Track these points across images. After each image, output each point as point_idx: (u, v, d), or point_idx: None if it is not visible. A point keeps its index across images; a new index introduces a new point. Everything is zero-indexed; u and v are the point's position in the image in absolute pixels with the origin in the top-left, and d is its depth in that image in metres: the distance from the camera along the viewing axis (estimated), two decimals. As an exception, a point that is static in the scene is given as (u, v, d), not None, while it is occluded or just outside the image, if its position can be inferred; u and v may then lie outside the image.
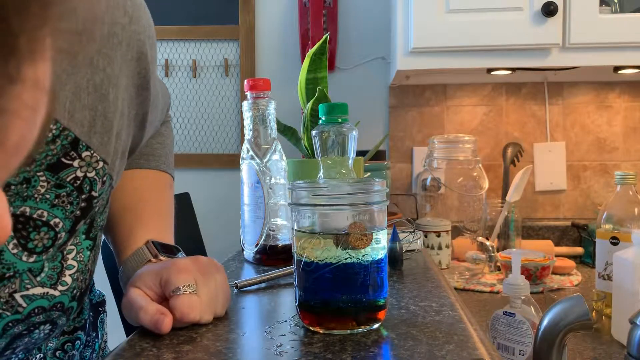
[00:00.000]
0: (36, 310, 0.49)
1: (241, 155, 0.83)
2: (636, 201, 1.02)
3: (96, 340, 0.72)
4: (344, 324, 0.50)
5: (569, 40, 1.26)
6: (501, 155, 1.64)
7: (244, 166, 0.82)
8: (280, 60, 1.73)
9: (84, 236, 0.52)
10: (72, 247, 0.51)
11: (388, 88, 1.70)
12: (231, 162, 1.74)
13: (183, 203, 1.41)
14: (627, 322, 0.67)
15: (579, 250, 1.51)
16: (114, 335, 0.85)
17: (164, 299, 0.54)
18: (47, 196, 0.47)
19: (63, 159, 0.48)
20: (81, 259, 0.52)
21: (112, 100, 0.50)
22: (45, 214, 0.47)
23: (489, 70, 1.44)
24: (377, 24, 1.69)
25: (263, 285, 0.69)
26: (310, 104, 0.91)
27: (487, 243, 1.28)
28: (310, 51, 0.94)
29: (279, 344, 0.48)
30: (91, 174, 0.50)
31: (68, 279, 0.50)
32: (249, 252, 0.84)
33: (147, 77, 0.55)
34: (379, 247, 0.50)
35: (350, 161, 0.62)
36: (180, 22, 1.74)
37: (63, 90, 0.46)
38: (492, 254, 1.28)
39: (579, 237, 1.56)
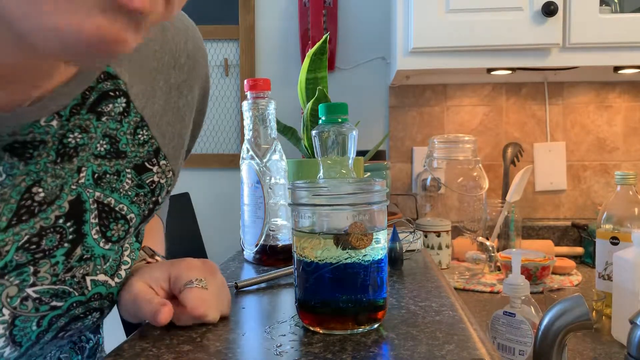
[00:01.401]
0: (95, 296, 0.52)
1: (241, 155, 0.83)
2: (636, 201, 1.02)
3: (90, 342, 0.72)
4: (344, 324, 0.50)
5: (569, 40, 1.26)
6: (501, 155, 1.64)
7: (244, 166, 0.82)
8: (280, 60, 1.73)
9: (134, 238, 0.57)
10: (127, 245, 0.56)
11: (388, 88, 1.70)
12: (231, 162, 1.75)
13: (183, 203, 1.41)
14: (627, 322, 0.67)
15: (579, 250, 1.51)
16: (114, 335, 0.85)
17: (171, 296, 0.54)
18: (130, 193, 0.53)
19: (146, 163, 0.54)
20: (133, 257, 0.56)
21: (187, 123, 0.60)
22: (125, 208, 0.53)
23: (489, 70, 1.44)
24: (377, 24, 1.69)
25: (263, 285, 0.69)
26: (310, 104, 0.91)
27: (487, 243, 1.28)
28: (310, 51, 0.94)
29: (278, 344, 0.48)
30: (163, 181, 0.57)
31: (123, 273, 0.55)
32: (249, 252, 0.84)
33: (204, 112, 0.66)
34: (379, 247, 0.50)
35: (350, 161, 0.62)
36: (180, 22, 1.74)
37: (155, 104, 0.54)
38: (492, 254, 1.28)
39: (579, 237, 1.56)
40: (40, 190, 0.47)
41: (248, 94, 0.81)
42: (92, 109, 0.49)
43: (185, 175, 1.73)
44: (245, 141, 0.82)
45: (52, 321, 0.49)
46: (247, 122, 0.82)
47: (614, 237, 1.01)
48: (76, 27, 0.30)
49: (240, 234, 0.86)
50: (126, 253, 0.55)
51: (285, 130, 0.98)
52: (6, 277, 0.45)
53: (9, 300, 0.46)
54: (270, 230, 0.81)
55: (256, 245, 0.82)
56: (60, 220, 0.48)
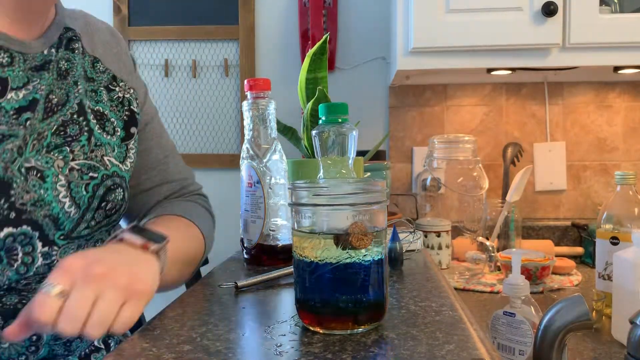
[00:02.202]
0: (115, 174, 0.75)
1: (241, 155, 0.84)
2: (636, 201, 1.02)
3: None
4: (344, 323, 0.50)
5: (569, 40, 1.26)
6: (501, 155, 1.64)
7: (244, 166, 0.83)
8: (280, 60, 1.73)
9: (136, 147, 0.81)
10: (132, 147, 0.80)
11: (388, 88, 1.70)
12: (231, 162, 1.74)
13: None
14: (627, 322, 0.67)
15: (579, 250, 1.51)
16: (114, 335, 0.85)
17: None
18: (107, 104, 0.78)
19: (110, 85, 0.79)
20: (133, 158, 0.80)
21: (124, 61, 0.85)
22: (108, 113, 0.77)
23: (489, 70, 1.44)
24: (377, 24, 1.69)
25: (263, 285, 0.69)
26: (310, 104, 0.91)
27: (487, 243, 1.28)
28: (310, 51, 0.94)
29: (278, 344, 0.48)
30: (127, 95, 0.81)
31: (128, 164, 0.78)
32: (249, 252, 0.84)
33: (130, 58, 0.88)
34: (379, 248, 0.50)
35: (350, 161, 0.62)
36: (180, 22, 1.74)
37: (98, 49, 0.81)
38: (492, 254, 1.28)
39: (579, 237, 1.56)
40: (54, 96, 0.70)
41: (248, 94, 0.81)
42: (67, 47, 0.75)
43: (185, 175, 1.73)
44: (246, 141, 0.82)
45: (94, 189, 0.71)
46: (247, 122, 0.82)
47: (614, 237, 1.01)
48: None
49: (241, 233, 0.86)
50: (131, 152, 0.79)
51: (285, 130, 0.98)
52: (52, 153, 0.68)
53: (60, 169, 0.68)
54: (270, 230, 0.81)
55: (256, 245, 0.82)
56: (75, 116, 0.72)
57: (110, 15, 1.73)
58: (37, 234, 0.64)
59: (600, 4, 1.27)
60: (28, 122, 0.66)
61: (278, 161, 0.82)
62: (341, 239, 0.49)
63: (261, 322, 0.56)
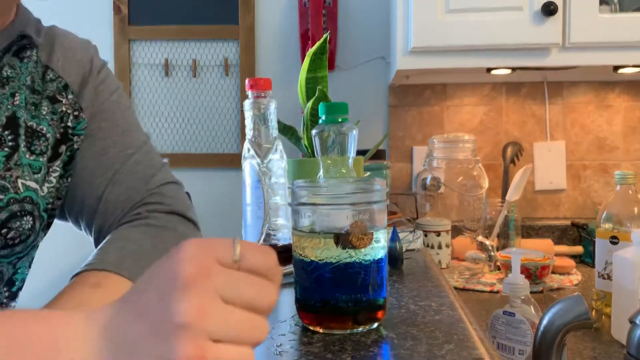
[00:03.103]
0: (27, 199, 0.66)
1: (242, 155, 0.84)
2: (636, 201, 1.02)
3: None
4: (344, 323, 0.50)
5: (569, 39, 1.26)
6: (501, 154, 1.64)
7: (246, 165, 0.83)
8: (280, 60, 1.73)
9: (61, 170, 0.71)
10: (56, 169, 0.70)
11: (388, 88, 1.70)
12: (231, 162, 1.74)
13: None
14: (627, 322, 0.67)
15: (578, 249, 1.51)
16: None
17: None
18: (46, 117, 0.70)
19: (57, 96, 0.71)
20: (55, 181, 0.70)
21: (84, 65, 0.75)
22: (44, 128, 0.69)
23: (489, 69, 1.44)
24: (377, 24, 1.69)
25: (263, 284, 0.69)
26: (310, 103, 0.91)
27: (487, 242, 1.28)
28: (310, 51, 0.94)
29: (279, 344, 0.48)
30: (70, 111, 0.71)
31: (45, 189, 0.69)
32: (249, 252, 0.84)
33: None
34: (379, 247, 0.50)
35: (350, 161, 0.62)
36: (180, 22, 1.74)
37: (55, 59, 0.72)
38: (492, 254, 1.28)
39: (579, 236, 1.56)
40: None
41: (249, 93, 0.81)
42: (16, 54, 0.69)
43: (185, 175, 1.73)
44: (247, 141, 0.82)
45: None
46: (248, 122, 0.82)
47: (613, 237, 1.01)
48: None
49: (242, 233, 0.86)
50: (53, 175, 0.70)
51: (285, 130, 0.98)
52: None
53: None
54: (270, 230, 0.81)
55: (256, 245, 0.82)
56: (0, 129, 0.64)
57: (110, 15, 1.73)
58: None
59: (600, 4, 1.27)
60: None
61: (278, 161, 0.82)
62: (341, 239, 0.49)
63: (261, 321, 0.56)
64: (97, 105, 0.74)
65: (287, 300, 0.63)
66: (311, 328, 0.51)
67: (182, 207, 0.73)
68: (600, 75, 1.59)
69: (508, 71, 1.45)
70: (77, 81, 0.73)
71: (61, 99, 0.71)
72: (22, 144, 0.66)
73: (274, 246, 0.81)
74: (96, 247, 0.70)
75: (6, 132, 0.65)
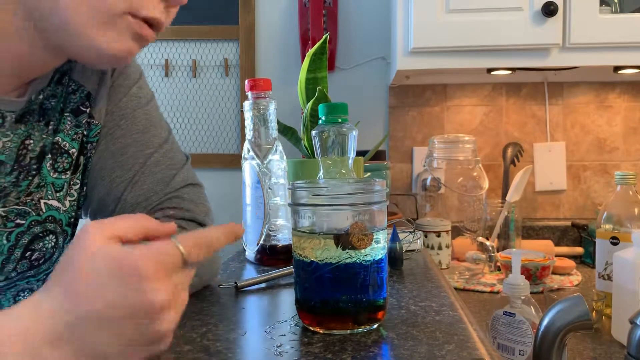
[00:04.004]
0: (49, 218, 0.65)
1: (242, 155, 0.84)
2: (636, 201, 1.02)
3: None
4: (344, 324, 0.50)
5: (569, 40, 1.26)
6: (501, 155, 1.64)
7: (246, 166, 0.83)
8: (280, 60, 1.73)
9: (80, 180, 0.69)
10: (77, 181, 0.68)
11: (388, 88, 1.70)
12: (231, 162, 1.75)
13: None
14: (627, 322, 0.67)
15: (579, 250, 1.51)
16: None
17: None
18: (70, 131, 0.67)
19: (81, 107, 0.68)
20: (77, 194, 0.69)
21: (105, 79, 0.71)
22: (67, 144, 0.67)
23: (489, 70, 1.44)
24: (377, 24, 1.69)
25: (263, 285, 0.69)
26: (310, 104, 0.91)
27: (487, 243, 1.28)
28: (310, 51, 0.94)
29: (279, 344, 0.48)
30: (87, 119, 0.68)
31: (67, 203, 0.67)
32: (250, 252, 0.84)
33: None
34: (379, 247, 0.50)
35: (350, 161, 0.62)
36: (180, 22, 1.74)
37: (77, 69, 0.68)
38: (492, 254, 1.28)
39: (579, 237, 1.56)
40: (31, 141, 0.62)
41: (249, 94, 0.81)
42: (58, 81, 0.65)
43: (185, 175, 1.73)
44: (247, 141, 0.82)
45: (17, 237, 0.62)
46: (248, 122, 0.82)
47: (613, 237, 1.01)
48: (116, 50, 0.54)
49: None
50: (74, 187, 0.68)
51: (285, 130, 0.98)
52: None
53: None
54: (270, 230, 0.81)
55: (256, 245, 0.82)
56: (30, 161, 0.63)
57: (110, 15, 1.73)
58: None
59: (600, 4, 1.27)
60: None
61: (278, 161, 0.82)
62: (341, 239, 0.49)
63: (261, 322, 0.56)
64: (115, 102, 0.71)
65: (287, 300, 0.63)
66: (311, 328, 0.51)
67: (200, 213, 0.71)
68: (601, 75, 1.59)
69: (508, 72, 1.45)
70: (95, 85, 0.69)
71: (84, 109, 0.68)
72: (47, 165, 0.64)
73: (274, 246, 0.81)
74: None
75: (33, 161, 0.63)
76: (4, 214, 0.60)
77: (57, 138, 0.65)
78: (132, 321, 0.38)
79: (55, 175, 0.65)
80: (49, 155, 0.64)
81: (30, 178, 0.63)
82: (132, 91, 0.72)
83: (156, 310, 0.39)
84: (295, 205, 0.52)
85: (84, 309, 0.38)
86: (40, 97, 0.63)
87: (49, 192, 0.65)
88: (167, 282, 0.40)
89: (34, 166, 0.63)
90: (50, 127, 0.65)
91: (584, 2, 1.25)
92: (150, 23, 0.56)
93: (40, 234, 0.64)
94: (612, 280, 0.94)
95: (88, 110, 0.68)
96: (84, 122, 0.68)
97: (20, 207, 0.62)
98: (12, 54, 0.56)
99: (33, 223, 0.63)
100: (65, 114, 0.66)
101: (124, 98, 0.71)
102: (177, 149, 0.75)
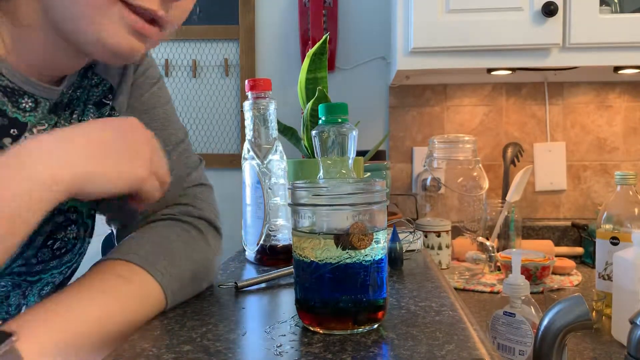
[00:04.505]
0: (71, 209, 0.66)
1: (242, 155, 0.84)
2: (636, 201, 1.02)
3: None
4: (344, 324, 0.50)
5: (569, 40, 1.26)
6: (501, 155, 1.64)
7: (246, 166, 0.83)
8: (280, 60, 1.73)
9: None
10: None
11: (388, 88, 1.70)
12: (231, 162, 1.75)
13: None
14: (627, 322, 0.67)
15: (579, 250, 1.51)
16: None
17: None
18: None
19: (104, 99, 0.69)
20: None
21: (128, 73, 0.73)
22: None
23: (489, 70, 1.44)
24: (377, 24, 1.69)
25: (263, 285, 0.69)
26: (310, 104, 0.91)
27: (487, 243, 1.28)
28: (310, 51, 0.94)
29: (279, 344, 0.48)
30: (108, 112, 0.69)
31: None
32: (250, 252, 0.84)
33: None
34: (379, 247, 0.50)
35: (350, 161, 0.62)
36: (180, 22, 1.74)
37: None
38: (492, 254, 1.28)
39: (579, 237, 1.56)
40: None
41: (249, 94, 0.81)
42: (83, 74, 0.67)
43: (185, 175, 1.73)
44: (246, 141, 0.82)
45: (39, 224, 0.58)
46: (248, 123, 0.82)
47: (614, 237, 1.01)
48: (115, 43, 0.54)
49: (242, 233, 0.86)
50: None
51: (285, 130, 0.98)
52: None
53: None
54: (270, 230, 0.81)
55: (256, 245, 0.82)
56: None
57: (110, 15, 1.73)
58: None
59: (600, 4, 1.27)
60: None
61: (278, 161, 0.82)
62: (341, 239, 0.49)
63: (261, 322, 0.56)
64: (137, 97, 0.72)
65: (287, 300, 0.63)
66: (311, 328, 0.51)
67: (211, 213, 0.72)
68: (601, 75, 1.59)
69: (508, 72, 1.45)
70: (117, 80, 0.70)
71: (107, 102, 0.69)
72: None
73: (274, 246, 0.81)
74: (117, 240, 0.72)
75: None
76: None
77: None
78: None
79: None
80: None
81: None
82: (154, 89, 0.74)
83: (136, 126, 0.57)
84: (295, 205, 0.51)
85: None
86: (70, 90, 0.65)
87: None
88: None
89: None
90: (74, 117, 0.66)
91: (584, 2, 1.25)
92: (149, 18, 0.53)
93: (63, 223, 0.65)
94: (612, 280, 0.94)
95: (110, 102, 0.69)
96: (106, 114, 0.69)
97: None
98: (42, 48, 0.57)
99: (56, 212, 0.63)
100: (89, 106, 0.68)
101: (145, 94, 0.73)
102: (192, 151, 0.76)
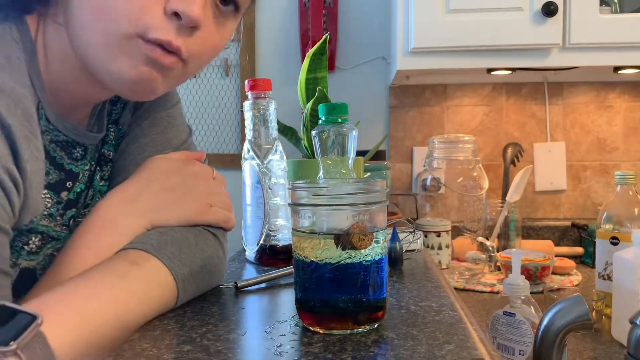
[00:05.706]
0: None
1: (242, 155, 0.84)
2: (636, 201, 1.02)
3: None
4: (344, 324, 0.50)
5: (569, 40, 1.26)
6: (501, 155, 1.64)
7: (246, 166, 0.83)
8: (280, 60, 1.73)
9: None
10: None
11: (388, 88, 1.70)
12: (231, 162, 1.74)
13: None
14: (627, 322, 0.67)
15: (579, 250, 1.51)
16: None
17: None
18: (114, 142, 0.71)
19: (121, 118, 0.72)
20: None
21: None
22: (111, 154, 0.71)
23: (489, 70, 1.44)
24: (377, 24, 1.69)
25: (263, 285, 0.69)
26: (310, 104, 0.91)
27: (487, 243, 1.28)
28: (310, 51, 0.94)
29: (279, 344, 0.48)
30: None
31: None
32: (250, 252, 0.84)
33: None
34: (379, 247, 0.50)
35: (350, 161, 0.62)
36: (180, 22, 1.74)
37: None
38: (492, 254, 1.28)
39: (579, 237, 1.56)
40: (93, 162, 0.68)
41: (249, 94, 0.81)
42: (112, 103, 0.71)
43: (185, 175, 1.73)
44: (247, 141, 0.82)
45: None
46: (248, 123, 0.82)
47: (613, 237, 1.01)
48: (129, 74, 0.54)
49: (242, 233, 0.86)
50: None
51: (285, 130, 0.98)
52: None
53: None
54: (270, 230, 0.81)
55: (256, 245, 0.82)
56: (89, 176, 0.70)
57: (110, 15, 1.73)
58: None
59: (600, 4, 1.27)
60: (71, 221, 0.65)
61: (278, 161, 0.82)
62: (341, 239, 0.49)
63: (261, 322, 0.56)
64: (140, 103, 0.73)
65: (287, 300, 0.63)
66: (311, 328, 0.51)
67: None
68: (601, 75, 1.59)
69: (508, 72, 1.45)
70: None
71: (124, 120, 0.72)
72: (98, 175, 0.69)
73: (274, 246, 0.81)
74: None
75: (89, 174, 0.68)
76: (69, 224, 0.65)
77: (103, 150, 0.70)
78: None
79: (102, 184, 0.70)
80: (98, 167, 0.69)
81: (86, 190, 0.67)
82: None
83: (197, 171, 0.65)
84: (295, 205, 0.51)
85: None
86: (95, 115, 0.68)
87: (97, 200, 0.69)
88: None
89: (90, 179, 0.68)
90: (99, 139, 0.68)
91: (584, 2, 1.25)
92: (168, 49, 0.53)
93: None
94: (612, 280, 0.94)
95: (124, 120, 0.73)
96: (122, 130, 0.72)
97: (79, 220, 0.65)
98: (72, 79, 0.59)
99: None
100: (109, 125, 0.70)
101: (147, 102, 0.73)
102: (194, 149, 0.76)
